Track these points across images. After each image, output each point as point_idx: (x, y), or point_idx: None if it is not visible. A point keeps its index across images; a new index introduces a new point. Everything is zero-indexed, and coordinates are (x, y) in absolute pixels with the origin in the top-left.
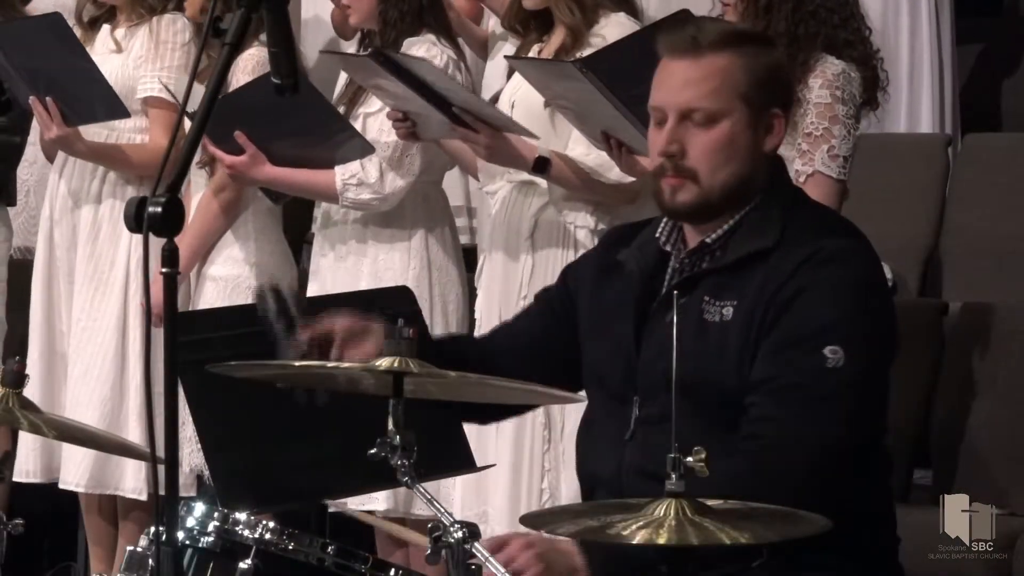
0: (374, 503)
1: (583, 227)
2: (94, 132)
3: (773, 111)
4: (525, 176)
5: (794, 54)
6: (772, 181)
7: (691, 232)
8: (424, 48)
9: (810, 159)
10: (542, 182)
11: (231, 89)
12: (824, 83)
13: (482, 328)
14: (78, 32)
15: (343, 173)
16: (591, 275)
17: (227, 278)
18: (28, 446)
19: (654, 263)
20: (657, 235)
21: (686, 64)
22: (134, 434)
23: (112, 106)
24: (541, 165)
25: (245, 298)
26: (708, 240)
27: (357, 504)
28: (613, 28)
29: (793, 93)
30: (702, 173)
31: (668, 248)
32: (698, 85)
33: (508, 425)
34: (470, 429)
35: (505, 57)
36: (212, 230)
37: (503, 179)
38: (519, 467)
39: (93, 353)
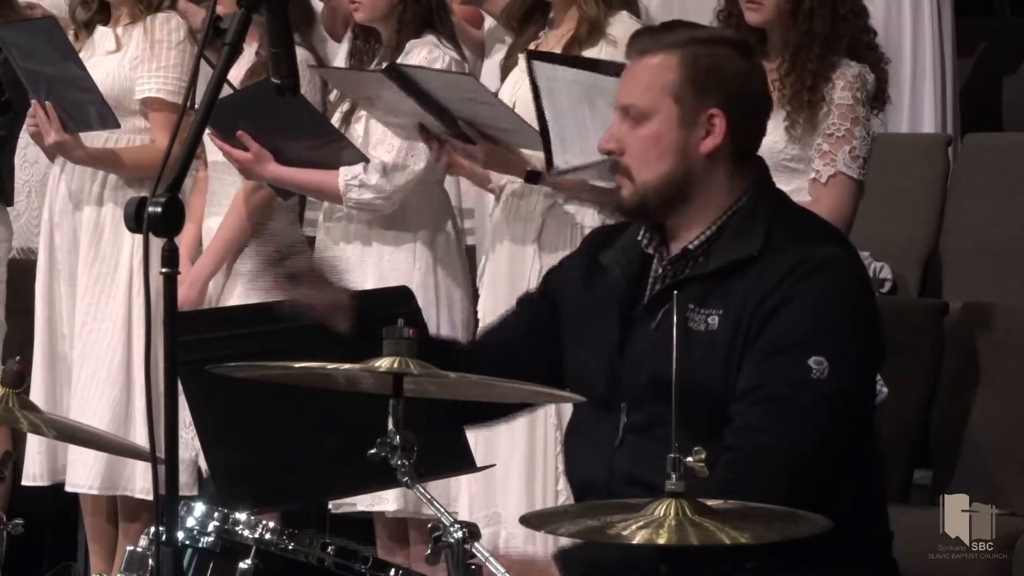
0: (383, 503)
1: (591, 226)
2: (94, 132)
3: (710, 111)
4: None
5: (824, 55)
6: (756, 185)
7: (673, 237)
8: (426, 50)
9: (832, 159)
10: None
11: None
12: (845, 84)
13: None
14: (72, 33)
15: (346, 174)
16: (574, 278)
17: None
18: (34, 449)
19: (637, 267)
20: (640, 238)
21: (632, 65)
22: (142, 435)
23: (104, 115)
24: (533, 177)
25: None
26: (690, 247)
27: (366, 504)
28: (619, 26)
29: (749, 96)
30: (634, 171)
31: (651, 251)
32: (633, 83)
33: (520, 427)
34: (480, 430)
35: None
36: (245, 231)
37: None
38: (532, 469)
39: (100, 355)
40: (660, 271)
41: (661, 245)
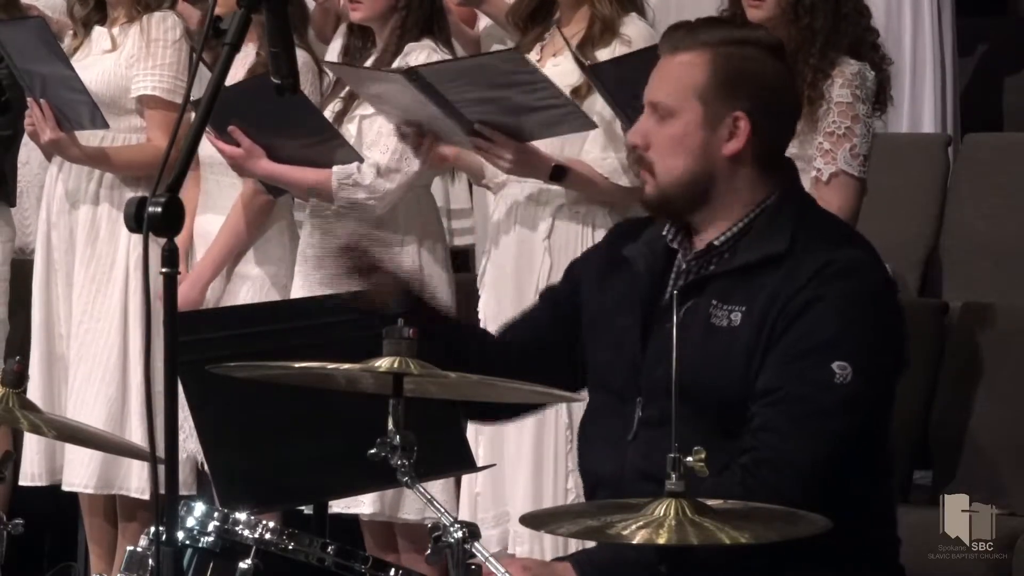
0: (359, 506)
1: (601, 227)
2: (89, 131)
3: (735, 114)
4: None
5: (825, 52)
6: (783, 186)
7: (697, 233)
8: (424, 53)
9: (833, 158)
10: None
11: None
12: (844, 82)
13: (487, 328)
14: (71, 32)
15: (339, 173)
16: (596, 271)
17: (261, 276)
18: (32, 449)
19: (662, 261)
20: (665, 232)
21: (663, 61)
22: (137, 434)
23: (93, 116)
24: (558, 174)
25: (279, 296)
26: (716, 243)
27: (342, 507)
28: (631, 27)
29: (776, 100)
30: (657, 168)
31: (675, 246)
32: (662, 81)
33: (529, 426)
34: (486, 429)
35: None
36: (245, 235)
37: (507, 175)
38: (541, 467)
39: (96, 354)
40: (684, 266)
41: (685, 240)
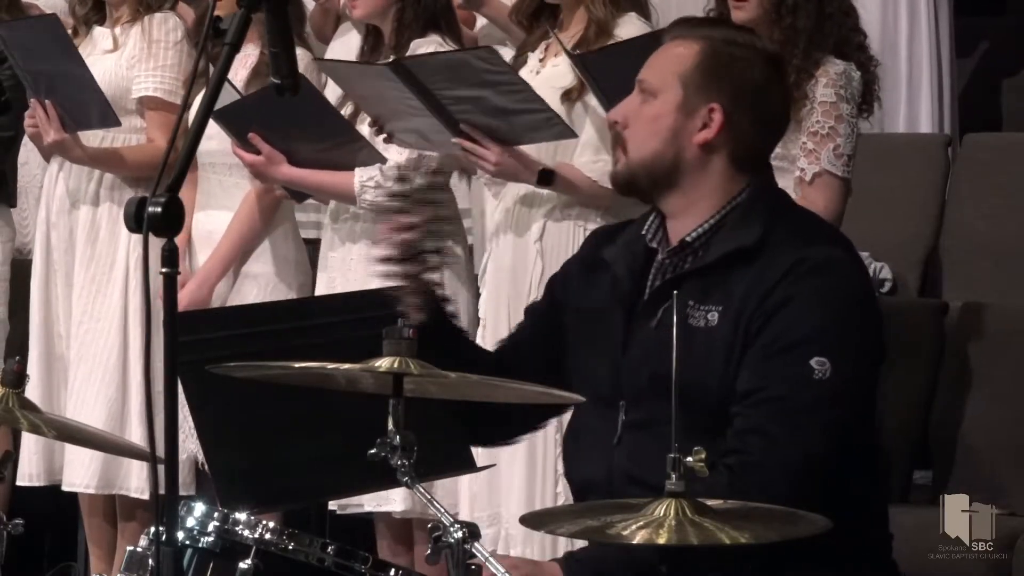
0: (390, 504)
1: (594, 228)
2: (90, 131)
3: (711, 105)
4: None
5: (809, 52)
6: (756, 181)
7: (672, 229)
8: (431, 49)
9: (816, 158)
10: None
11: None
12: (828, 82)
13: (487, 328)
14: (71, 29)
15: (361, 175)
16: (576, 279)
17: (268, 275)
18: (30, 449)
19: (641, 262)
20: (643, 232)
21: (662, 47)
22: (137, 434)
23: (105, 114)
24: (546, 178)
25: (285, 294)
26: (688, 239)
27: (373, 505)
28: (628, 27)
29: (759, 104)
30: (630, 145)
31: (655, 245)
32: (654, 62)
33: None
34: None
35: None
36: (255, 232)
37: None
38: (533, 470)
39: (96, 354)
40: (660, 264)
41: (664, 238)
